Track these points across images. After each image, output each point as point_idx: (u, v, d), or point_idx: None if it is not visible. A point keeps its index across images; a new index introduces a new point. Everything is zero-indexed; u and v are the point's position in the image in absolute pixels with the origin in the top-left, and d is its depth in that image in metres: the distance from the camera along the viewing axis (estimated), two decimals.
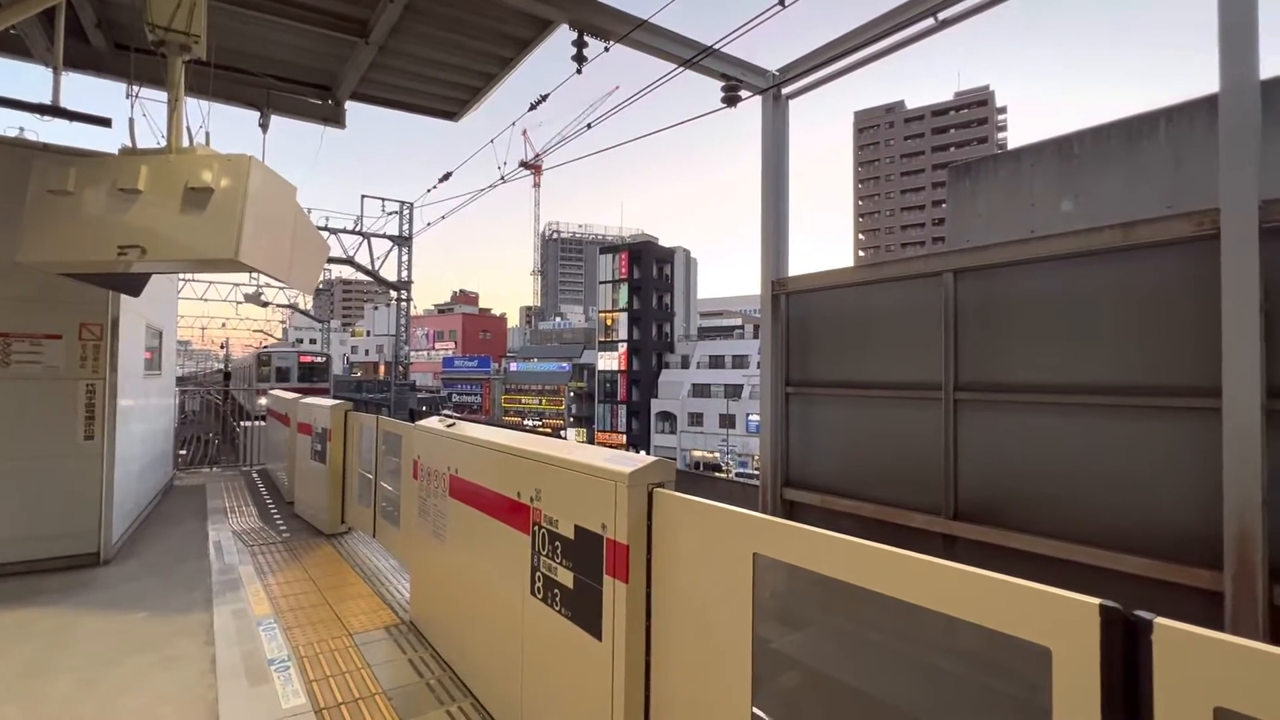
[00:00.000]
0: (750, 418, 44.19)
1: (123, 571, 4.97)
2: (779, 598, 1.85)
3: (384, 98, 7.20)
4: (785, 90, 5.87)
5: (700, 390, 49.89)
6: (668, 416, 51.04)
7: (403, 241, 19.57)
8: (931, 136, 77.27)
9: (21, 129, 5.37)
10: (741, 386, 46.65)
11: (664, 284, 56.08)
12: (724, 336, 60.11)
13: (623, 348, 53.17)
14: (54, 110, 4.42)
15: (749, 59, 5.77)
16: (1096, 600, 1.09)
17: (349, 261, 18.69)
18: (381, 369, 56.39)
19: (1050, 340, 3.96)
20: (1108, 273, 3.73)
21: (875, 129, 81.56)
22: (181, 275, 18.85)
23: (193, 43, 4.14)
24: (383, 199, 19.47)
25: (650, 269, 54.21)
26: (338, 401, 6.28)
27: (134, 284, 4.88)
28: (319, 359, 24.88)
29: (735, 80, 5.76)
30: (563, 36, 5.32)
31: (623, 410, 53.30)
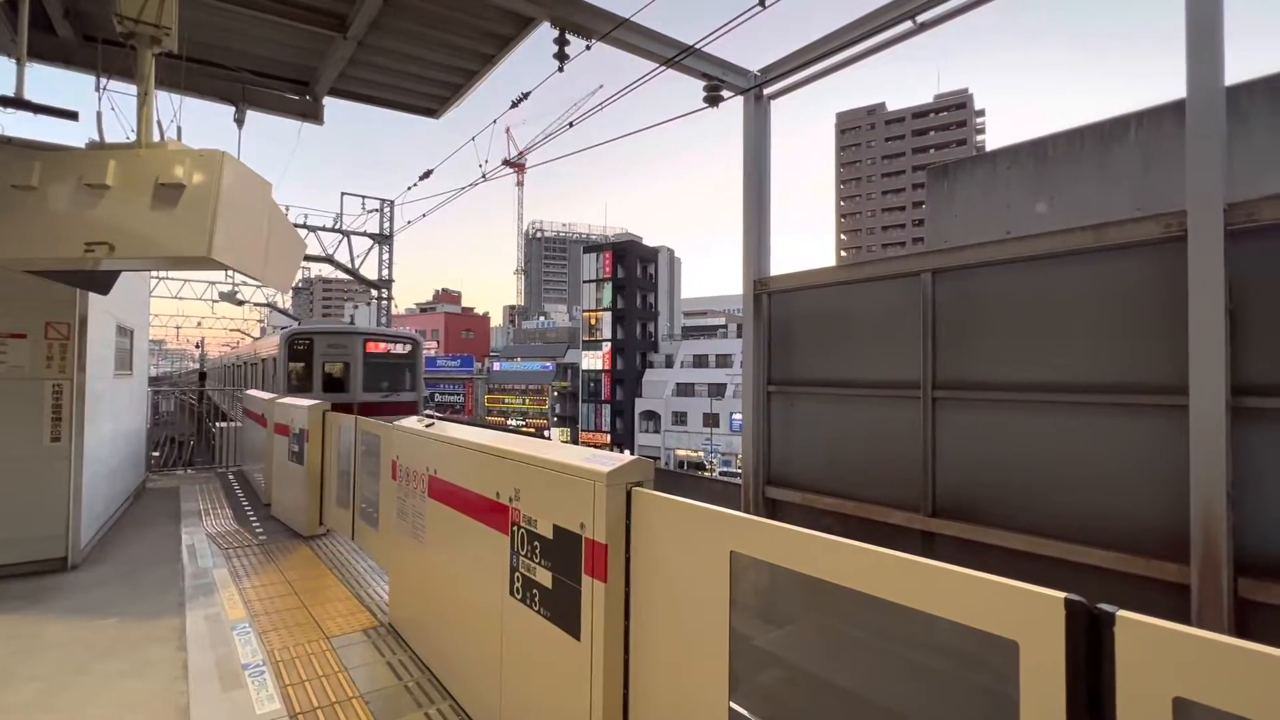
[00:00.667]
0: (734, 416, 44.35)
1: (92, 576, 4.85)
2: (761, 595, 1.86)
3: (364, 94, 7.10)
4: (767, 91, 5.90)
5: (684, 389, 50.01)
6: (652, 415, 51.08)
7: (383, 239, 19.28)
8: (912, 138, 78.21)
9: None
10: (725, 385, 46.85)
11: (648, 283, 56.12)
12: (708, 335, 60.34)
13: (607, 347, 53.11)
14: (18, 102, 4.28)
15: (731, 60, 5.79)
16: (1061, 594, 1.11)
17: (328, 260, 18.35)
18: None
19: (1024, 339, 4.03)
20: (1080, 273, 3.80)
21: (857, 130, 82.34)
22: (153, 273, 18.45)
23: (163, 35, 4.06)
24: (363, 196, 19.08)
25: (634, 268, 54.20)
26: (315, 402, 6.19)
27: (102, 282, 4.77)
28: (402, 347, 13.39)
29: (717, 80, 5.78)
30: (545, 34, 5.31)
31: (607, 409, 53.23)
